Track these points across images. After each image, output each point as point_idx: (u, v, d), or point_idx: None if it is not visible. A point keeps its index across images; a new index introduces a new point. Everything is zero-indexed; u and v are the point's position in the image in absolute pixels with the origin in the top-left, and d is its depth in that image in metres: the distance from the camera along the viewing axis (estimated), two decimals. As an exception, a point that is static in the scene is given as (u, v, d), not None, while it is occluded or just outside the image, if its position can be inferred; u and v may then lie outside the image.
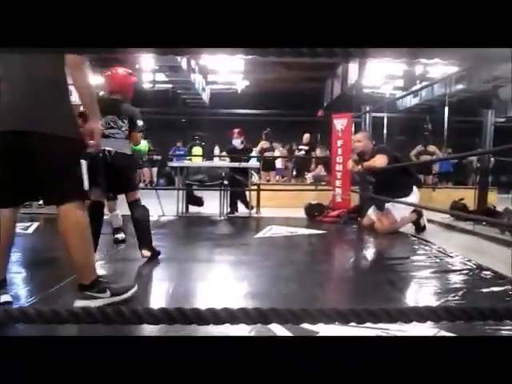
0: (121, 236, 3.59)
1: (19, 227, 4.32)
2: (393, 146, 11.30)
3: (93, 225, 2.08)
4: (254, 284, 2.48)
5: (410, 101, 13.66)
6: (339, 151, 5.25)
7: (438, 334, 1.88)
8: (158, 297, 2.31)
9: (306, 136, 9.89)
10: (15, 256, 3.39)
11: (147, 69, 11.59)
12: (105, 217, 2.99)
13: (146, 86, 12.62)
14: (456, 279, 2.58)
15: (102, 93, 3.31)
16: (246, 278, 2.60)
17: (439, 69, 10.99)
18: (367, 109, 5.02)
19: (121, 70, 3.10)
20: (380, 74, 11.85)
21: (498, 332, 1.76)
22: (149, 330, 2.02)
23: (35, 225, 4.44)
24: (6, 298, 1.90)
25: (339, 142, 5.28)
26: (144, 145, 4.44)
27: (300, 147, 9.97)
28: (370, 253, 3.64)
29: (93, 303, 1.84)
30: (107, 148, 2.79)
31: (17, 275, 2.68)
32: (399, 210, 4.23)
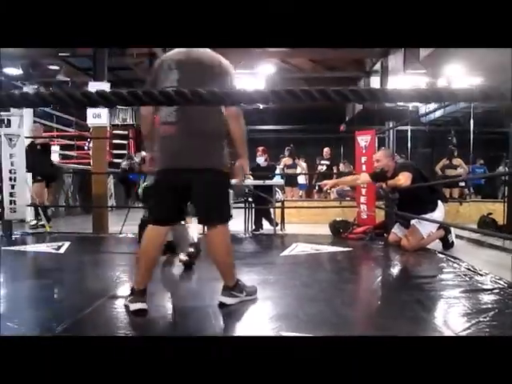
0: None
1: (51, 247, 4.47)
2: (418, 159, 11.17)
3: None
4: (281, 305, 2.50)
5: (435, 113, 13.51)
6: (363, 168, 5.24)
7: (438, 334, 1.86)
8: (181, 317, 2.34)
9: (326, 150, 9.89)
10: (50, 277, 3.51)
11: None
12: None
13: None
14: (487, 299, 2.53)
15: None
16: (272, 298, 2.62)
17: (463, 80, 10.86)
18: (390, 124, 5.01)
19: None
20: (402, 87, 11.81)
21: (498, 332, 1.73)
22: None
23: (66, 244, 4.56)
24: (142, 306, 2.22)
25: (363, 159, 5.27)
26: None
27: (322, 162, 9.98)
28: (396, 271, 3.61)
29: (233, 300, 2.34)
30: None
31: (51, 296, 2.77)
32: (425, 227, 4.18)
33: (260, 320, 2.21)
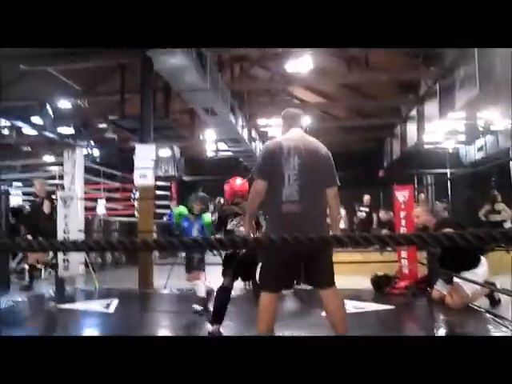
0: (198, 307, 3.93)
1: (100, 305, 4.66)
2: (460, 204, 10.86)
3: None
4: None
5: (475, 155, 13.30)
6: (403, 222, 5.24)
7: (438, 335, 1.80)
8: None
9: (367, 198, 9.88)
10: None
11: (210, 139, 12.38)
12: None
13: (210, 154, 13.41)
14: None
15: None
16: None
17: (503, 120, 10.71)
18: (429, 180, 5.03)
19: (239, 180, 3.69)
20: (441, 130, 11.72)
21: (497, 332, 1.67)
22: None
23: (115, 302, 4.72)
24: None
25: (402, 214, 5.28)
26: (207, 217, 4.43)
27: (361, 209, 9.96)
28: (440, 335, 3.54)
29: None
30: None
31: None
32: (469, 284, 4.10)
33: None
